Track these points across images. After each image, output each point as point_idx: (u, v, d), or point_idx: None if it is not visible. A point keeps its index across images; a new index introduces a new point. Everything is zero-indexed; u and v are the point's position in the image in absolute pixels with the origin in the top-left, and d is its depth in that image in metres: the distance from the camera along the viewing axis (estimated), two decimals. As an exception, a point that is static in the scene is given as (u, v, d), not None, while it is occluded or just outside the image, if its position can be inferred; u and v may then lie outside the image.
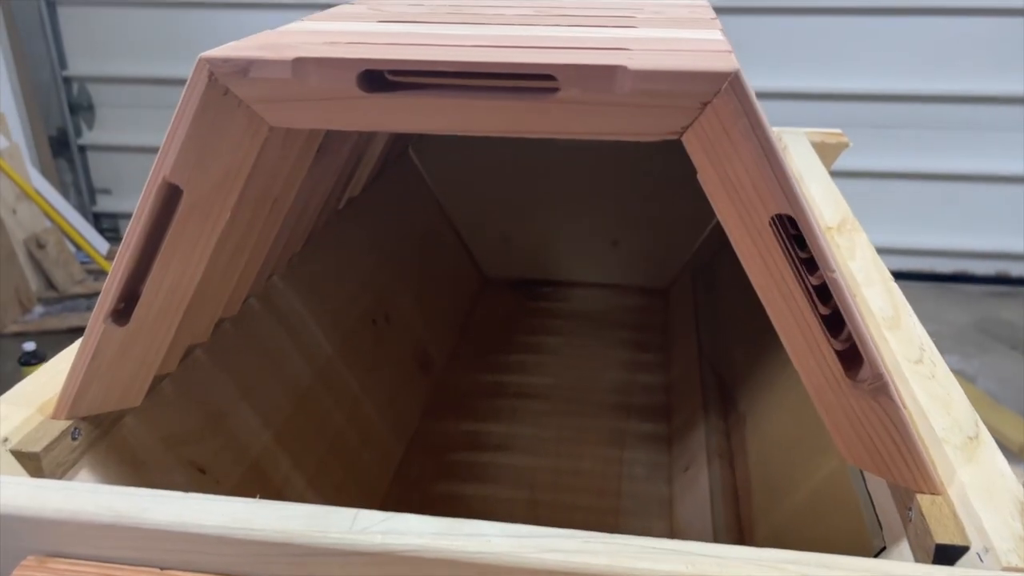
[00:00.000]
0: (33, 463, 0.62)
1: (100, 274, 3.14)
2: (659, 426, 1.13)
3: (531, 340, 1.36)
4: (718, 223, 1.41)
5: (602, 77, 0.50)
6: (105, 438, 0.68)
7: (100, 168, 3.63)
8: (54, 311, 3.03)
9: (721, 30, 0.65)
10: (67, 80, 3.51)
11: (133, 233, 0.59)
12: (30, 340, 2.57)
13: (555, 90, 0.52)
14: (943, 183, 2.98)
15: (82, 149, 3.60)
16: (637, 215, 1.47)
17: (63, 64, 3.47)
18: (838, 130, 1.32)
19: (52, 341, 2.75)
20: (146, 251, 0.60)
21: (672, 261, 1.49)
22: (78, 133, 3.57)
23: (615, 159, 1.42)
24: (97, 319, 0.62)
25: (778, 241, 0.53)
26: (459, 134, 0.54)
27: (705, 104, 0.50)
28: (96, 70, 3.46)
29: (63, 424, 0.65)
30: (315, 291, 1.04)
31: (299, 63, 0.52)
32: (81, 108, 3.55)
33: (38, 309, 3.01)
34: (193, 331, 0.72)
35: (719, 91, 0.49)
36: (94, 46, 3.44)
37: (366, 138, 0.99)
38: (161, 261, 0.60)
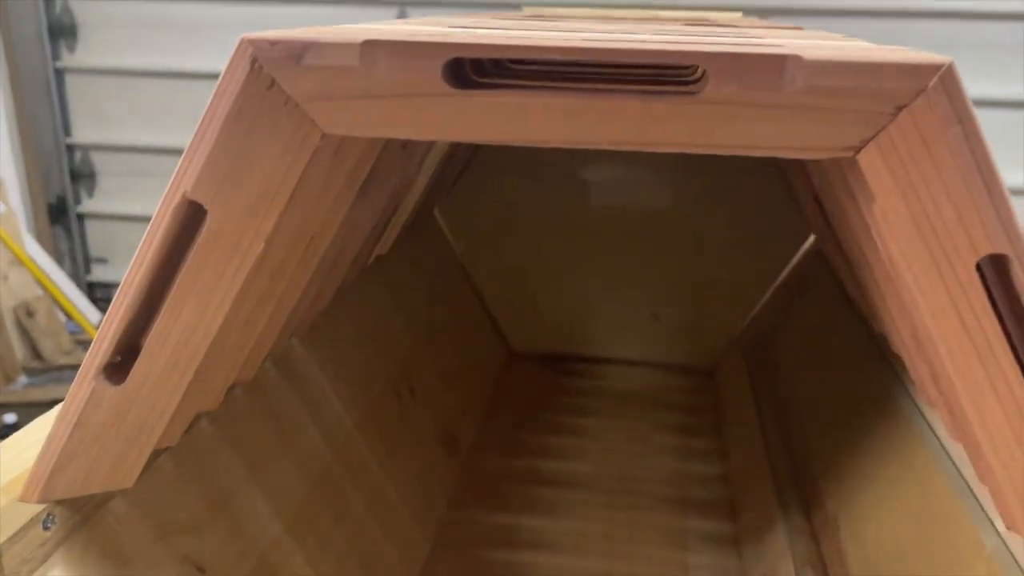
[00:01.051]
0: (-10, 560, 0.48)
1: (89, 345, 3.00)
2: (723, 524, 0.98)
3: (565, 421, 1.23)
4: (772, 297, 1.29)
5: (768, 69, 0.39)
6: (85, 526, 0.54)
7: (98, 237, 3.54)
8: (38, 382, 2.88)
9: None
10: (70, 148, 3.44)
11: (139, 265, 0.47)
12: (11, 412, 2.43)
13: (699, 89, 0.40)
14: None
15: (80, 217, 3.51)
16: (679, 286, 1.35)
17: (67, 131, 3.42)
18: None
19: (34, 413, 2.57)
20: (154, 289, 0.48)
21: (718, 339, 1.36)
22: (77, 201, 3.49)
23: (656, 222, 1.32)
24: (86, 375, 0.49)
25: (986, 293, 0.41)
26: (567, 146, 0.43)
27: (900, 108, 0.39)
28: (100, 138, 3.40)
29: (33, 509, 0.51)
30: (336, 356, 0.91)
31: (370, 47, 0.41)
32: (82, 176, 3.48)
33: (22, 379, 2.86)
34: (202, 397, 0.59)
35: (924, 89, 0.38)
36: (100, 114, 3.38)
37: (407, 181, 0.87)
38: (173, 303, 0.48)
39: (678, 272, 1.33)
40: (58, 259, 3.40)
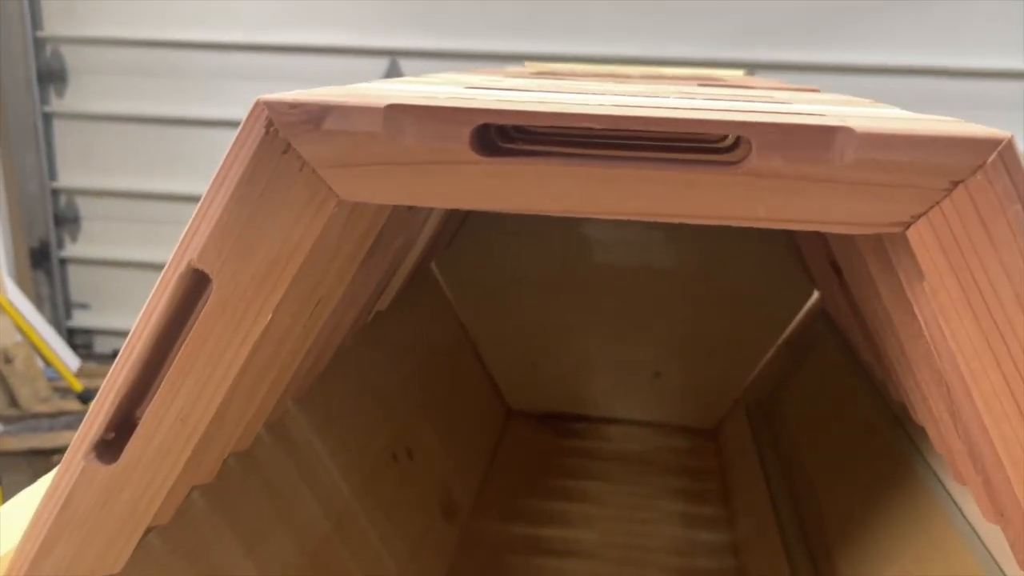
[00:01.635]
0: (-36, 657, 0.44)
1: (67, 392, 2.94)
2: (733, 597, 0.95)
3: (567, 485, 1.19)
4: (775, 356, 1.26)
5: (816, 141, 0.37)
6: (67, 615, 0.50)
7: (80, 282, 3.50)
8: (14, 431, 2.80)
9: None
10: (55, 192, 3.41)
11: (139, 337, 0.44)
12: (-16, 462, 2.36)
13: (741, 158, 0.38)
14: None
15: (63, 262, 3.47)
16: (681, 344, 1.32)
17: (52, 175, 3.39)
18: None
19: (9, 463, 2.52)
20: (154, 361, 0.45)
21: (721, 398, 1.34)
22: (60, 245, 3.45)
23: (657, 279, 1.30)
24: (75, 453, 0.46)
25: (1047, 377, 0.39)
26: (601, 217, 0.40)
27: (956, 184, 0.37)
28: (86, 183, 3.38)
29: (13, 598, 0.47)
30: (333, 420, 0.87)
31: (394, 112, 0.39)
32: (67, 220, 3.45)
33: (-3, 427, 2.79)
34: (198, 471, 0.55)
35: (982, 165, 0.36)
36: (86, 159, 3.37)
37: (411, 239, 0.85)
38: (174, 376, 0.45)
39: (679, 330, 1.31)
40: (38, 304, 3.35)
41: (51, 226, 3.44)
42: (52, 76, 3.29)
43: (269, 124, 0.40)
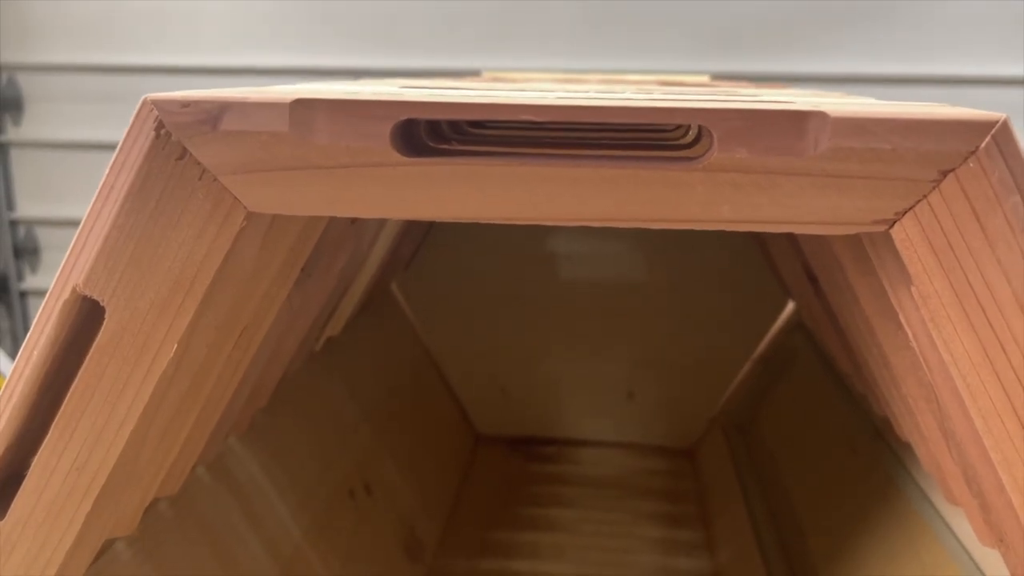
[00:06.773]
0: None
1: (28, 429, 2.84)
2: (715, 629, 0.90)
3: (539, 513, 1.13)
4: (751, 371, 1.22)
5: (785, 129, 0.32)
6: None
7: (41, 314, 3.41)
8: (-27, 471, 2.70)
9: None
10: (13, 223, 3.32)
11: (19, 377, 0.38)
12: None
13: (702, 153, 0.34)
14: None
15: (23, 295, 3.37)
16: (654, 362, 1.27)
17: (10, 206, 3.30)
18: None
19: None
20: (40, 405, 0.39)
21: (696, 416, 1.29)
22: (20, 277, 3.35)
23: (627, 294, 1.25)
24: (-46, 512, 0.40)
25: (1053, 390, 0.34)
26: (543, 223, 0.36)
27: (945, 173, 0.32)
28: (45, 213, 3.29)
29: None
30: (282, 455, 0.81)
31: (302, 107, 0.34)
32: (26, 252, 3.35)
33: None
34: (111, 522, 0.49)
35: (975, 151, 0.31)
36: (46, 189, 3.27)
37: (359, 256, 0.80)
38: (63, 421, 0.39)
39: (653, 346, 1.26)
40: (-2, 339, 3.26)
41: (10, 258, 3.35)
42: (7, 104, 3.20)
43: (159, 126, 0.34)
